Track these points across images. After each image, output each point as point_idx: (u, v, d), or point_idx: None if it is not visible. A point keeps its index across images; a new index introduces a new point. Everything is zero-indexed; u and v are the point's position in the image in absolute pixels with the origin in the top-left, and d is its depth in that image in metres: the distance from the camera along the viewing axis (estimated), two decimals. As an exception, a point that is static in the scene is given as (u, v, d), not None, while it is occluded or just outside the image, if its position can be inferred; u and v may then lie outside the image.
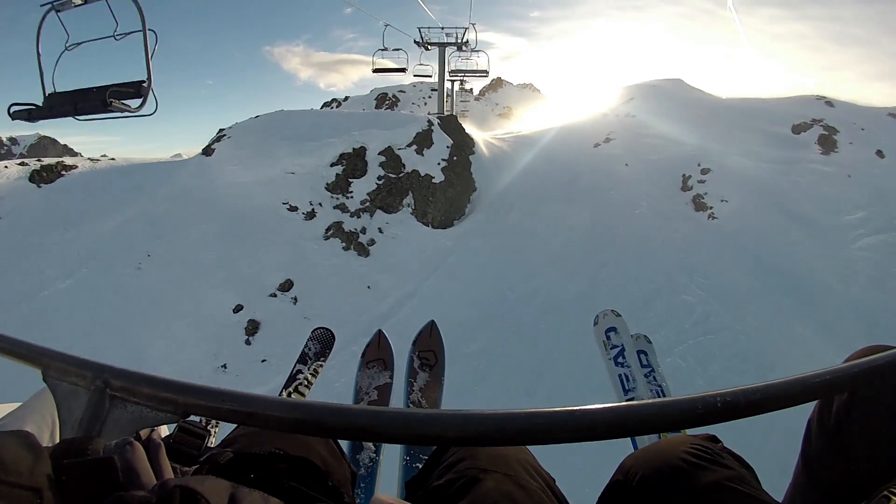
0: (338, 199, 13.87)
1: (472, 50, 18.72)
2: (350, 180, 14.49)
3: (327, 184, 14.26)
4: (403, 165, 15.13)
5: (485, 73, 19.40)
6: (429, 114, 17.45)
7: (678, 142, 17.34)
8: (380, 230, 12.79)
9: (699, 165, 14.80)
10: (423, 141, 15.68)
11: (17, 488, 0.41)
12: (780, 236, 11.85)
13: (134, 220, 11.30)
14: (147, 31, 3.91)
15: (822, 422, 0.78)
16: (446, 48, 19.21)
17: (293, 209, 12.38)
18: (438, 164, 15.58)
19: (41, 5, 4.13)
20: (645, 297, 10.02)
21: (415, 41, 18.90)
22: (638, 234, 12.24)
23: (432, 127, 15.36)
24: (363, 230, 12.62)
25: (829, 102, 21.43)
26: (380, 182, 14.70)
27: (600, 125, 19.93)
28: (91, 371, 0.69)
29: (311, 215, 12.42)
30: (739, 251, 11.42)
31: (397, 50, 16.76)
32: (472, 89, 31.24)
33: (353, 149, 15.01)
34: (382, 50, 16.48)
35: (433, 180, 15.14)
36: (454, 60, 19.05)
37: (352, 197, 14.04)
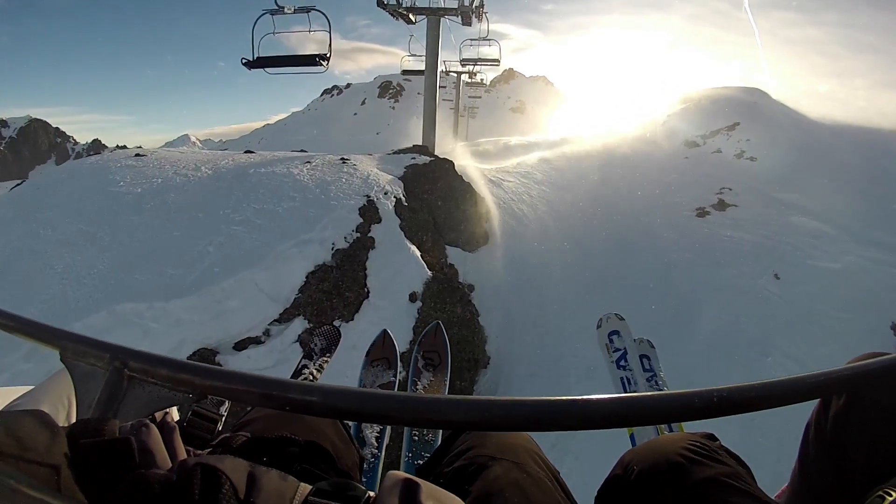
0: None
1: (484, 38, 17.00)
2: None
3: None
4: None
5: (496, 62, 18.63)
6: (378, 164, 8.27)
7: (852, 233, 10.38)
8: None
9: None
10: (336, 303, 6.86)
11: (36, 465, 0.44)
12: None
13: None
14: (332, 31, 7.81)
15: (820, 426, 0.86)
16: (440, 18, 14.35)
17: None
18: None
19: (262, 12, 7.66)
20: None
21: (379, 2, 13.69)
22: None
23: (371, 227, 6.72)
24: None
25: None
26: None
27: (696, 169, 11.93)
28: (109, 352, 0.77)
29: None
30: None
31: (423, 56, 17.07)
32: (483, 80, 23.41)
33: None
34: (411, 56, 17.84)
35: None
36: (465, 49, 17.91)
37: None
